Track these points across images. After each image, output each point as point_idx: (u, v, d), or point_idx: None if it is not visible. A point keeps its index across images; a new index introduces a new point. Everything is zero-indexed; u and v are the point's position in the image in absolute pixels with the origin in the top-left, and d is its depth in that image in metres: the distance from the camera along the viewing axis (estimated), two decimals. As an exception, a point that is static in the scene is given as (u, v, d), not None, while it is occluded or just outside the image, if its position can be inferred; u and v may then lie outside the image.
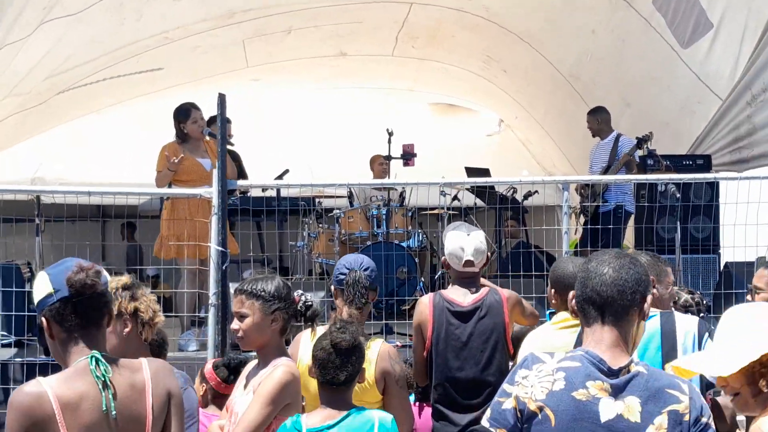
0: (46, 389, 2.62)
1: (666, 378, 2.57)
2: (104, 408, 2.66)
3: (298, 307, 3.76)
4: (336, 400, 3.70)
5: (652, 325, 3.95)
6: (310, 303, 3.81)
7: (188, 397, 3.63)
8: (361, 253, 8.23)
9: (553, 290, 4.33)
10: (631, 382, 2.52)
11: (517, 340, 4.58)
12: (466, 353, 4.51)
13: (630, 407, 2.50)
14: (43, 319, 2.76)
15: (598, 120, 9.37)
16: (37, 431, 2.59)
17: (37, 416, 2.59)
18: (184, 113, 7.84)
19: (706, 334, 3.92)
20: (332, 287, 4.40)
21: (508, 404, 2.58)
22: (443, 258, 4.70)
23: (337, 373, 3.67)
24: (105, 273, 2.86)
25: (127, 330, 3.58)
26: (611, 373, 2.52)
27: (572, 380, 2.53)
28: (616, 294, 2.58)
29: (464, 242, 4.58)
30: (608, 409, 2.50)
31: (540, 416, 2.53)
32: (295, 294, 3.76)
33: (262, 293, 3.59)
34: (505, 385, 2.64)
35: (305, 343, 4.11)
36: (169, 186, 7.68)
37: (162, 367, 2.87)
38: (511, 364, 4.56)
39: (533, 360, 2.61)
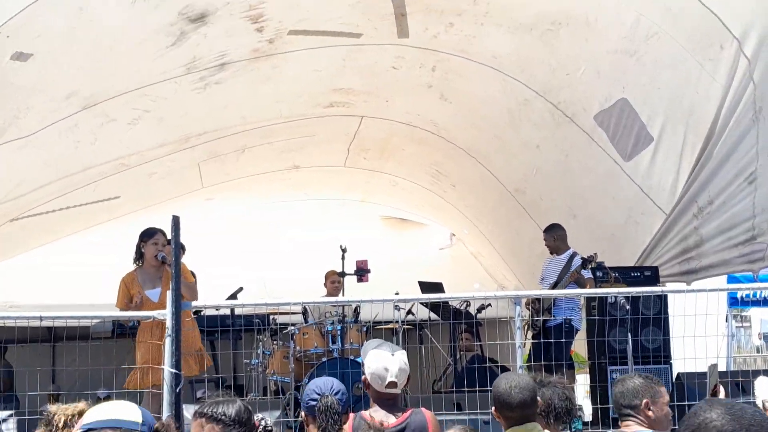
0: None
1: None
2: None
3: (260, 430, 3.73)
4: None
5: None
6: (269, 428, 3.78)
7: None
8: (317, 370, 8.27)
9: (494, 408, 4.36)
10: None
11: None
12: None
13: None
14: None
15: (554, 237, 9.51)
16: None
17: None
18: (149, 234, 7.99)
19: None
20: (302, 413, 4.29)
21: None
22: (363, 377, 4.55)
23: None
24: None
25: None
26: None
27: None
28: None
29: (388, 362, 4.44)
30: None
31: None
32: (255, 418, 3.72)
33: (223, 417, 3.50)
34: None
35: None
36: None
37: None
38: None
39: None
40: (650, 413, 4.19)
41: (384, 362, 4.43)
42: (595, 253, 8.91)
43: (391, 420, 4.39)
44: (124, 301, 7.81)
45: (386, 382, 4.41)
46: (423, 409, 4.56)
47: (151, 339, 7.47)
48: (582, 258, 8.98)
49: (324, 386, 4.29)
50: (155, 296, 7.67)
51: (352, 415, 4.49)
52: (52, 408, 3.68)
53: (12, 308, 10.60)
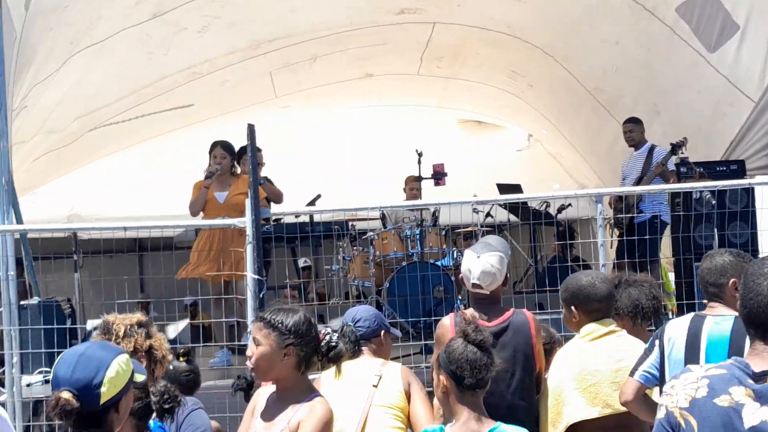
0: None
1: None
2: None
3: (321, 345, 3.61)
4: (477, 409, 3.64)
5: (723, 329, 3.81)
6: (334, 344, 3.67)
7: (199, 415, 3.86)
8: (397, 274, 8.32)
9: (573, 307, 4.26)
10: None
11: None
12: (496, 377, 4.08)
13: None
14: None
15: (642, 130, 9.29)
16: None
17: None
18: (210, 148, 8.41)
19: None
20: None
21: (661, 414, 2.50)
22: (460, 275, 4.54)
23: (488, 371, 3.63)
24: None
25: None
26: (756, 378, 2.38)
27: (715, 387, 2.41)
28: None
29: (472, 264, 4.37)
30: (752, 414, 2.35)
31: (684, 425, 2.42)
32: (322, 331, 3.65)
33: (279, 325, 3.50)
34: (659, 399, 2.58)
35: (326, 383, 4.07)
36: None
37: None
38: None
39: (683, 371, 2.52)
40: (737, 295, 3.97)
41: (468, 263, 4.39)
42: (685, 138, 8.61)
43: (492, 320, 4.32)
44: (196, 194, 8.30)
45: (470, 283, 4.38)
46: (524, 309, 4.49)
47: (204, 247, 7.79)
48: (671, 144, 8.71)
49: (348, 316, 4.54)
50: (222, 198, 8.00)
51: (452, 314, 4.49)
52: (110, 317, 3.73)
53: (98, 220, 10.85)
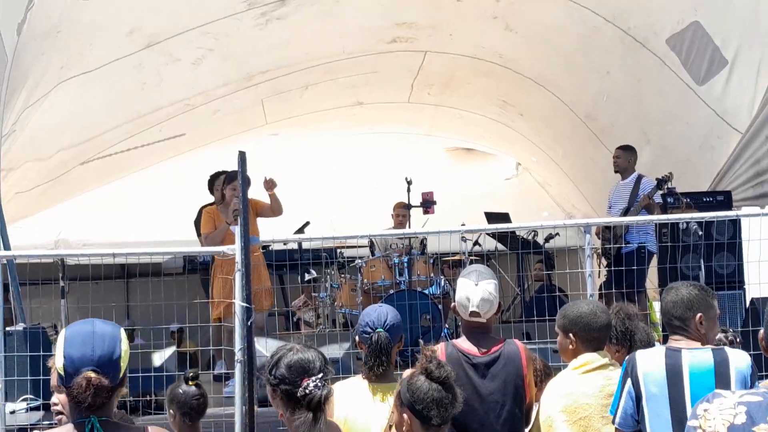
0: None
1: None
2: None
3: (298, 393, 3.29)
4: None
5: (704, 360, 3.75)
6: (309, 392, 3.30)
7: None
8: (385, 302, 8.28)
9: (571, 334, 4.18)
10: None
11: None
12: (485, 407, 4.19)
13: None
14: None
15: (630, 159, 9.28)
16: None
17: None
18: (230, 179, 8.12)
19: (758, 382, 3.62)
20: (356, 338, 4.27)
21: None
22: (453, 304, 4.44)
23: (454, 407, 3.49)
24: None
25: None
26: None
27: (754, 415, 2.48)
28: None
29: (470, 292, 4.27)
30: None
31: None
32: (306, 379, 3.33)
33: (270, 359, 3.36)
34: (689, 422, 2.61)
35: (345, 398, 3.90)
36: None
37: None
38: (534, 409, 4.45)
39: (714, 395, 2.60)
40: (702, 330, 3.81)
41: (466, 291, 4.29)
42: (670, 173, 8.64)
43: (483, 349, 4.26)
44: (209, 226, 8.06)
45: (468, 312, 4.28)
46: (515, 340, 4.42)
47: (227, 274, 7.62)
48: (657, 178, 8.74)
49: (378, 320, 4.19)
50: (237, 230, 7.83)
51: (443, 344, 4.38)
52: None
53: (85, 246, 10.84)
